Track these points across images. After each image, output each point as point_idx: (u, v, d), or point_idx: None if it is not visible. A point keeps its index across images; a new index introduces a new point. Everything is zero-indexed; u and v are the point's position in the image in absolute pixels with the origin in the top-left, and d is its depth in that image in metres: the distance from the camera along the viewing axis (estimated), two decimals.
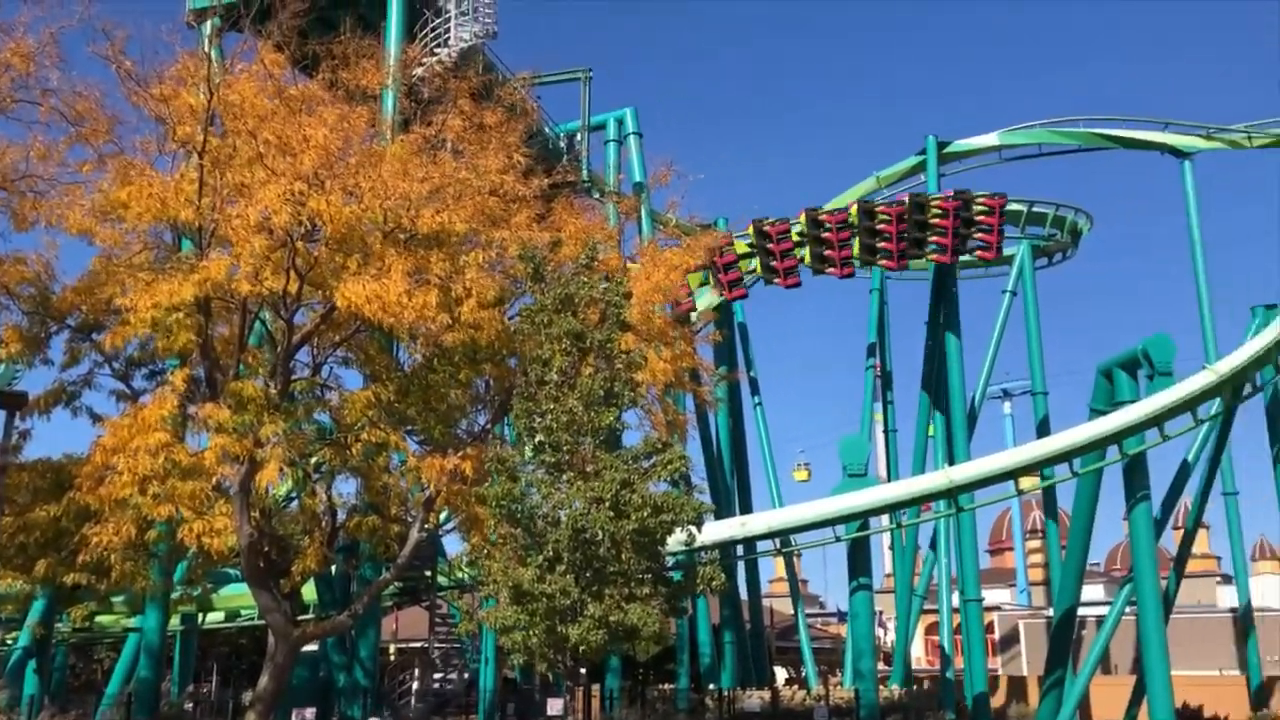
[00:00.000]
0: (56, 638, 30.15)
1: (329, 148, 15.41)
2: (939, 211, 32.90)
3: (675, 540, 16.94)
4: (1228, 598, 52.65)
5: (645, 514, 15.54)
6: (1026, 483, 32.06)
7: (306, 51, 19.41)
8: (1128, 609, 30.45)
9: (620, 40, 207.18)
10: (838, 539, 28.83)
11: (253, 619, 31.09)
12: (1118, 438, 26.61)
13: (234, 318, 16.73)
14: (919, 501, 29.57)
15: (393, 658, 41.00)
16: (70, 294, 16.77)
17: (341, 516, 17.88)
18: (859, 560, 28.95)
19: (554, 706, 20.07)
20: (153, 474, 14.37)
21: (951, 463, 31.31)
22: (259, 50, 16.87)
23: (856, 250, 33.78)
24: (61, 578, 17.05)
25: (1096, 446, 27.01)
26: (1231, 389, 28.43)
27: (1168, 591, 30.64)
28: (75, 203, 15.86)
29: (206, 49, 17.25)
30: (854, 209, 33.84)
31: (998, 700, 39.38)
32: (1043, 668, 32.17)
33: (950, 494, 28.07)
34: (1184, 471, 32.97)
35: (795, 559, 46.13)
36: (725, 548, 29.74)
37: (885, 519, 30.83)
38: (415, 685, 37.72)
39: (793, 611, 45.84)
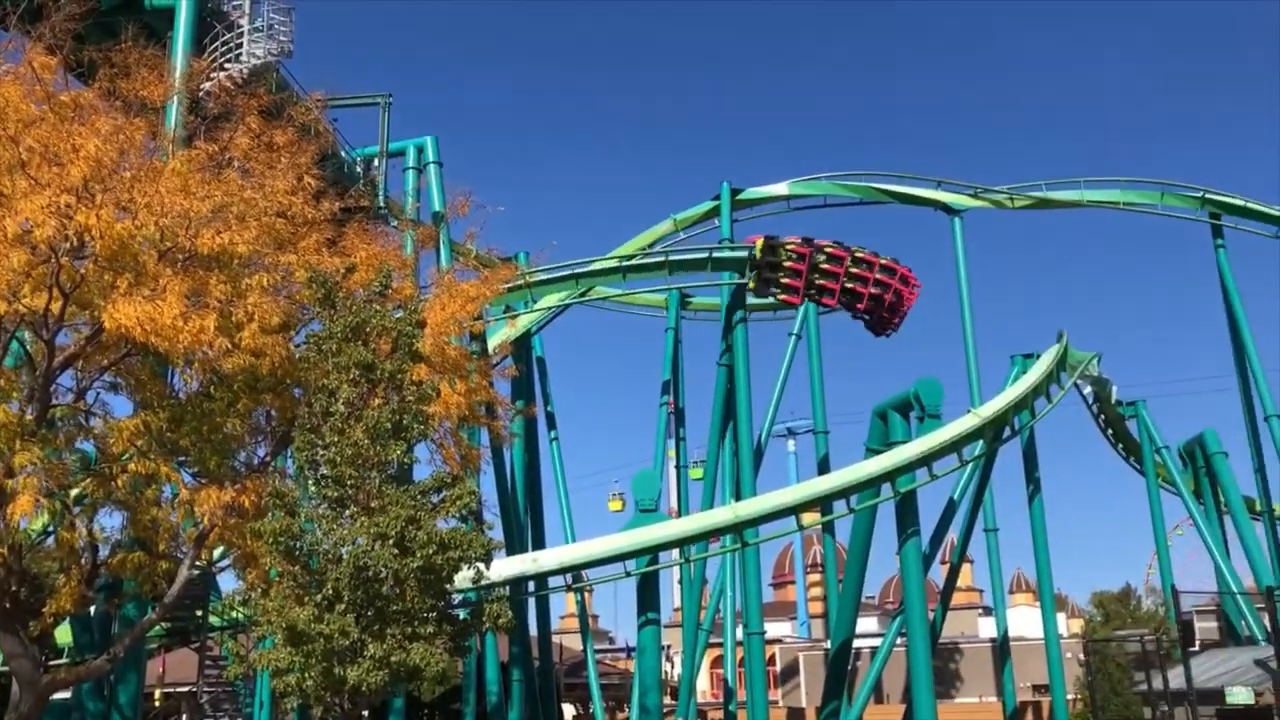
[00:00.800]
0: None
1: (101, 159, 14.46)
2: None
3: (463, 577, 16.63)
4: (988, 628, 56.12)
5: (431, 551, 15.18)
6: (808, 518, 33.30)
7: (83, 58, 18.32)
8: (898, 640, 31.98)
9: (425, 69, 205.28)
10: (628, 574, 29.10)
11: None
12: (890, 476, 28.04)
13: None
14: (707, 536, 30.24)
15: (158, 703, 38.49)
16: None
17: (103, 552, 16.71)
18: (648, 595, 29.28)
19: None
20: None
21: (738, 498, 32.18)
22: (27, 51, 15.77)
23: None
24: None
25: (872, 484, 28.39)
26: (993, 431, 30.50)
27: (935, 623, 32.40)
28: None
29: None
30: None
31: None
32: (820, 698, 33.35)
33: (736, 528, 28.83)
34: (950, 509, 35.09)
35: (586, 595, 46.23)
36: (517, 584, 29.50)
37: (675, 553, 31.35)
38: None
39: (582, 647, 45.84)
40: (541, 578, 30.65)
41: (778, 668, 56.50)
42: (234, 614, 25.88)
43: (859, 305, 37.16)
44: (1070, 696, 39.36)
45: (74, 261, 14.63)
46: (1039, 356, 35.20)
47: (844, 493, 28.56)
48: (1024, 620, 51.14)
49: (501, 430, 28.24)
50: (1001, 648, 40.02)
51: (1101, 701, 35.75)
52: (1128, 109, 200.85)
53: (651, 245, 41.82)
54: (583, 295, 39.50)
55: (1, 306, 13.90)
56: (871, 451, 29.35)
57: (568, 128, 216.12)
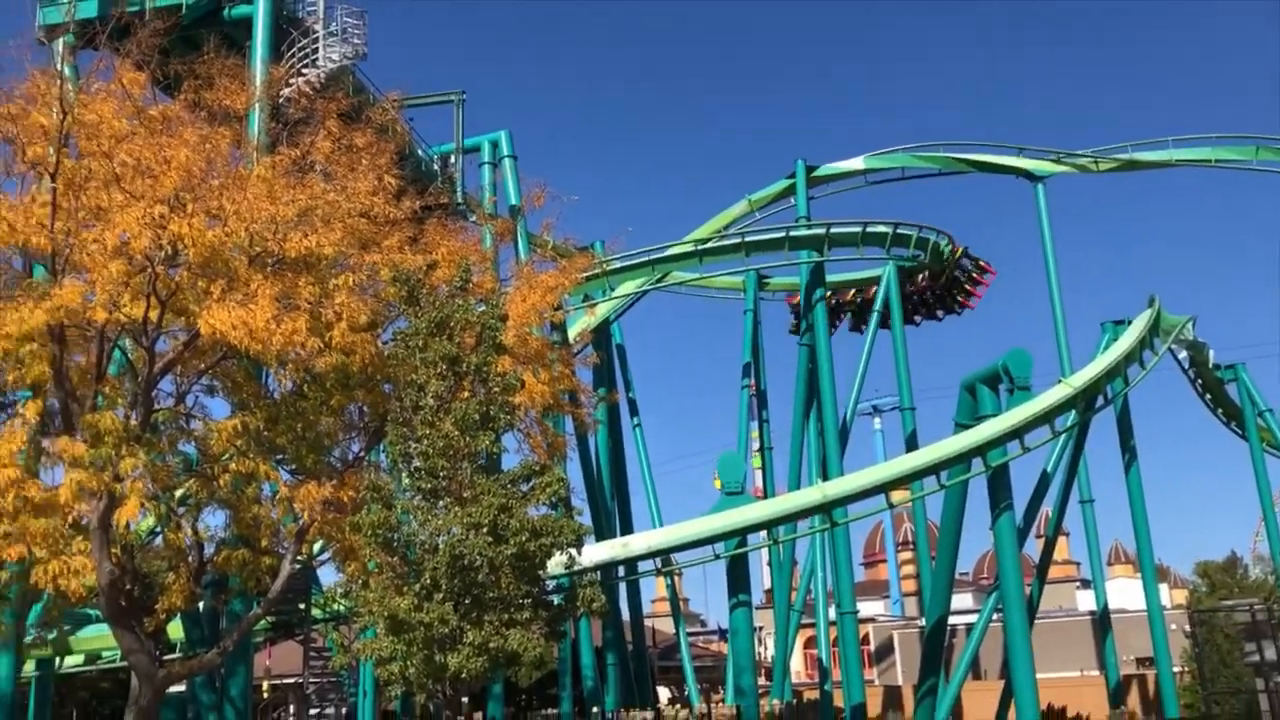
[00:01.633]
0: None
1: (191, 169, 14.91)
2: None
3: (555, 563, 16.85)
4: (1087, 601, 55.02)
5: (524, 538, 15.42)
6: (897, 496, 32.99)
7: (168, 71, 18.85)
8: (995, 616, 31.52)
9: (497, 64, 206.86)
10: (717, 557, 29.14)
11: (115, 661, 29.67)
12: (981, 450, 27.59)
13: (91, 346, 16.04)
14: (795, 517, 30.10)
15: (266, 695, 39.63)
16: None
17: (209, 550, 17.26)
18: (738, 577, 29.29)
19: None
20: (2, 512, 13.67)
21: (825, 478, 31.99)
22: (117, 69, 16.28)
23: None
24: None
25: (962, 459, 27.96)
26: (1085, 401, 29.83)
27: (1031, 598, 31.87)
28: None
29: (59, 66, 16.56)
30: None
31: (875, 710, 40.27)
32: (916, 676, 33.05)
33: (825, 509, 28.66)
34: (1044, 481, 34.43)
35: (676, 578, 46.46)
36: (607, 569, 29.76)
37: (763, 535, 31.29)
38: None
39: (674, 630, 46.08)
40: (631, 562, 30.85)
41: (871, 646, 56.16)
42: (336, 606, 26.43)
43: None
44: (1176, 669, 38.44)
45: (169, 270, 15.09)
46: (1130, 323, 34.33)
47: (934, 469, 28.19)
48: (1123, 592, 50.10)
49: (585, 417, 28.49)
50: (1102, 620, 39.25)
51: (1210, 674, 34.82)
52: (1215, 63, 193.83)
53: (727, 227, 41.68)
54: (659, 281, 39.58)
55: (103, 316, 14.35)
56: (960, 426, 28.89)
57: (637, 113, 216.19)
